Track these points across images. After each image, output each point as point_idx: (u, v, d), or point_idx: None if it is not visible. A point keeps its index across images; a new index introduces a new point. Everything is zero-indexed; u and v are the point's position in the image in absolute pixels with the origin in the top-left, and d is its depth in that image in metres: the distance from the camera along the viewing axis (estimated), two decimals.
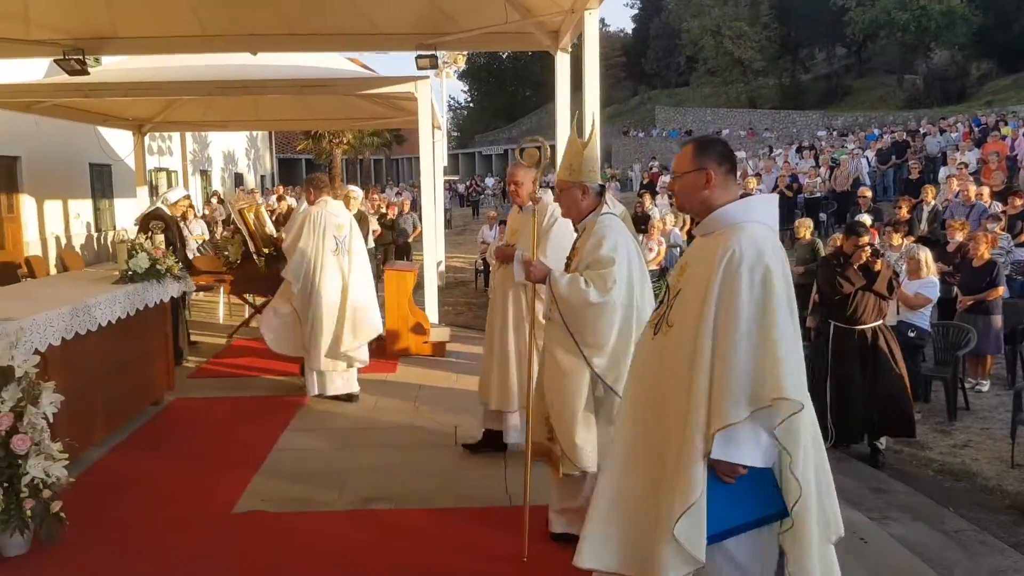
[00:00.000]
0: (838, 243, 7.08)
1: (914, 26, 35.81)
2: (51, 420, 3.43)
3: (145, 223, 6.69)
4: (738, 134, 36.72)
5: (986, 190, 9.97)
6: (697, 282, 2.23)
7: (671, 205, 15.30)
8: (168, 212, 6.98)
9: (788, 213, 14.81)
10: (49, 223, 14.72)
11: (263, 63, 10.06)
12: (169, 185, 20.26)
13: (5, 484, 3.24)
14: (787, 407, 2.06)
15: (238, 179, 26.93)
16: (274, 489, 4.14)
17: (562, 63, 8.77)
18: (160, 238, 5.37)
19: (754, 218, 2.24)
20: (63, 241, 15.20)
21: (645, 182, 20.09)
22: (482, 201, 29.06)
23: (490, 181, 34.32)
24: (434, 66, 9.34)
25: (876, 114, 34.77)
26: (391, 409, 5.61)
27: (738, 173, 19.82)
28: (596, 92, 7.52)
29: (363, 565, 3.35)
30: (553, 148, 3.60)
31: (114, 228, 17.36)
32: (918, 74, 39.24)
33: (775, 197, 2.51)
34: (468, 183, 32.09)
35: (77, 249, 15.07)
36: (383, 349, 7.25)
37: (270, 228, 7.60)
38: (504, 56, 58.00)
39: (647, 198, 13.72)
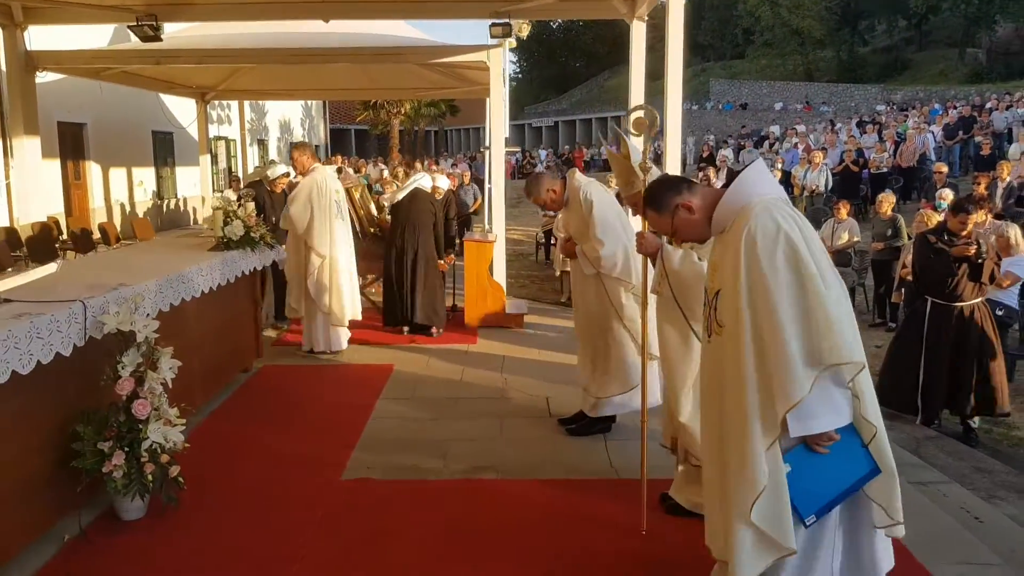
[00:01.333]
0: (928, 221, 6.83)
1: None
2: (170, 385, 3.45)
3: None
4: (794, 107, 35.70)
5: None
6: (729, 278, 2.26)
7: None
8: (267, 188, 7.02)
9: (854, 188, 14.38)
10: (114, 190, 15.00)
11: (324, 31, 9.99)
12: (228, 154, 20.50)
13: (126, 448, 3.26)
14: (851, 369, 2.12)
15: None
16: (378, 457, 4.14)
17: (638, 32, 8.53)
18: (251, 206, 5.36)
19: (753, 192, 2.28)
20: (127, 208, 15.49)
21: (705, 155, 19.69)
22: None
23: (543, 153, 33.98)
24: (507, 34, 9.15)
25: (937, 88, 33.46)
26: (479, 380, 5.59)
27: (800, 147, 19.15)
28: (679, 62, 7.30)
29: (475, 533, 3.34)
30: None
31: (175, 196, 17.63)
32: (981, 48, 37.61)
33: (761, 164, 2.49)
34: (521, 155, 31.80)
35: (141, 216, 15.36)
36: (460, 320, 7.24)
37: (373, 208, 7.61)
38: (554, 25, 56.99)
39: (711, 172, 13.41)
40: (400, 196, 6.66)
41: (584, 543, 3.23)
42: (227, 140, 20.22)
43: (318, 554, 3.16)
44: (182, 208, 17.96)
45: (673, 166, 7.44)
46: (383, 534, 3.33)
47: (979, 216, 7.86)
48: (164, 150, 17.05)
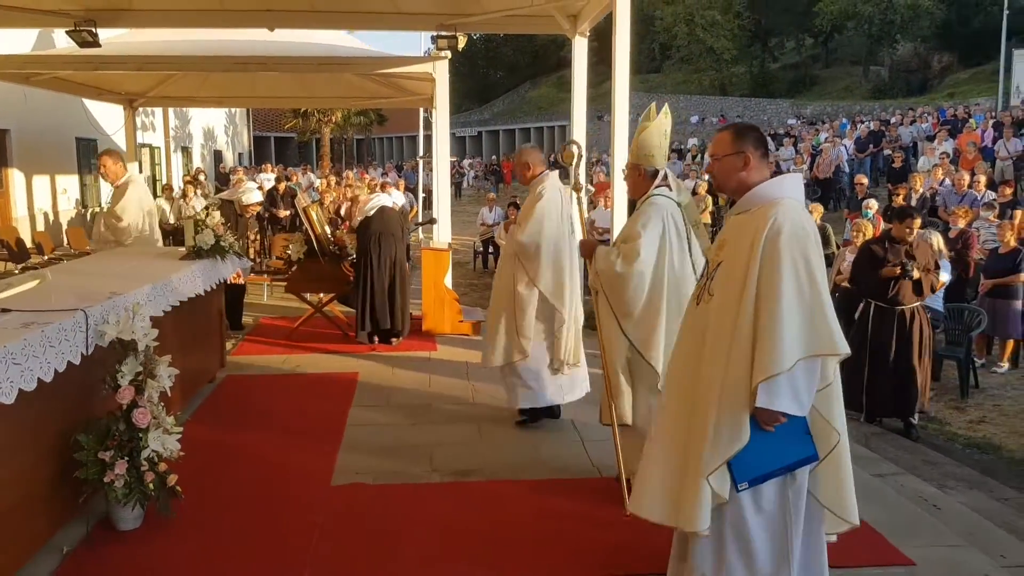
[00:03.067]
0: (864, 230, 7.38)
1: (880, 18, 36.72)
2: (169, 393, 3.46)
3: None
4: (710, 121, 37.20)
5: (982, 178, 10.39)
6: (738, 254, 2.43)
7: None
8: (237, 208, 6.96)
9: None
10: (37, 199, 14.32)
11: (262, 39, 9.90)
12: (152, 162, 19.82)
13: (126, 458, 3.26)
14: (833, 361, 2.41)
15: (217, 156, 26.40)
16: (364, 462, 4.21)
17: (580, 47, 8.86)
18: (217, 215, 5.35)
19: (787, 194, 2.46)
20: (51, 217, 14.80)
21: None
22: (463, 183, 29.01)
23: (466, 163, 34.20)
24: (453, 47, 9.33)
25: (843, 103, 35.58)
26: (447, 386, 5.71)
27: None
28: (626, 77, 7.63)
29: (472, 535, 3.45)
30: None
31: (100, 205, 16.95)
32: (883, 65, 40.22)
33: (800, 176, 2.84)
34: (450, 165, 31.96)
35: (64, 225, 14.69)
36: (417, 327, 7.33)
37: (326, 227, 7.60)
38: (475, 36, 57.46)
39: None
40: (371, 212, 6.73)
41: (578, 539, 3.38)
42: (151, 147, 19.55)
43: (324, 561, 3.21)
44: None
45: (620, 177, 7.77)
46: (384, 538, 3.39)
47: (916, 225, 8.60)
48: (88, 157, 16.37)
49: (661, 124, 3.65)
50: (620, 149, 7.72)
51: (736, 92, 43.50)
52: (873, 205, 9.04)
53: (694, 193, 13.76)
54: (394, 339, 6.89)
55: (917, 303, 5.67)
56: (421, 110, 16.32)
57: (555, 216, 4.52)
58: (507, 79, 58.75)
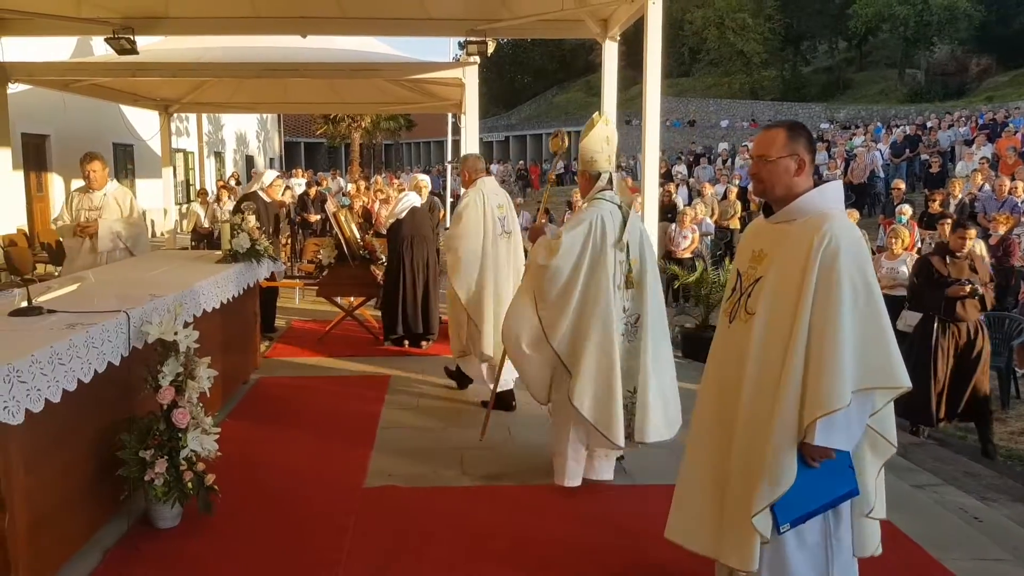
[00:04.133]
0: (902, 236, 7.25)
1: (915, 20, 36.11)
2: (207, 394, 3.51)
3: (238, 206, 6.77)
4: (740, 125, 36.89)
5: (1021, 184, 10.16)
6: (787, 272, 2.24)
7: (690, 194, 15.44)
8: (265, 196, 7.03)
9: None
10: None
11: (293, 45, 10.04)
12: (187, 167, 20.18)
13: (166, 457, 3.31)
14: (887, 395, 2.22)
15: (249, 161, 26.80)
16: (396, 465, 4.23)
17: (610, 51, 8.84)
18: (253, 219, 5.42)
19: (834, 205, 2.32)
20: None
21: (663, 171, 20.20)
22: None
23: (495, 168, 34.26)
24: (483, 52, 9.38)
25: (878, 107, 35.08)
26: (477, 389, 5.70)
27: (744, 163, 19.48)
28: (657, 80, 7.61)
29: (501, 539, 3.45)
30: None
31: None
32: (919, 68, 39.56)
33: (841, 184, 2.59)
34: None
35: None
36: (444, 331, 7.34)
37: (356, 231, 7.68)
38: (503, 41, 57.72)
39: (672, 188, 13.84)
40: (402, 215, 6.76)
41: (608, 549, 3.36)
42: (185, 152, 19.91)
43: (357, 561, 3.23)
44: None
45: (651, 181, 7.74)
46: (415, 541, 3.40)
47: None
48: (125, 162, 16.72)
49: (602, 131, 3.94)
50: (651, 153, 7.69)
51: (767, 96, 43.14)
52: (907, 211, 8.88)
53: (724, 198, 13.66)
54: (424, 342, 6.92)
55: (981, 316, 5.59)
56: (449, 115, 16.41)
57: (477, 216, 5.13)
58: (535, 84, 58.89)
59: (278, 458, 4.32)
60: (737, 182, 15.44)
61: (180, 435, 3.36)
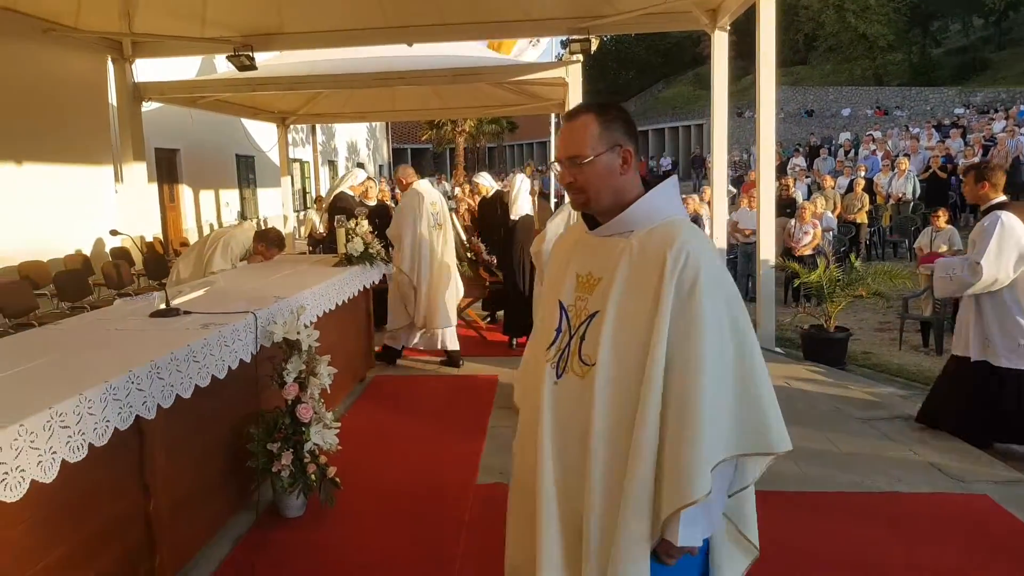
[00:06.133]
0: None
1: None
2: (328, 391, 3.65)
3: (332, 210, 7.03)
4: (863, 113, 34.87)
5: None
6: (632, 302, 1.65)
7: (810, 187, 14.74)
8: (351, 193, 7.29)
9: (942, 195, 13.97)
10: (204, 211, 15.70)
11: (399, 54, 10.33)
12: (303, 175, 21.22)
13: (291, 449, 3.47)
14: (767, 462, 1.69)
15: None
16: (507, 464, 4.22)
17: (720, 42, 8.59)
18: (366, 224, 5.61)
19: (678, 210, 1.75)
20: (215, 228, 16.16)
21: (778, 164, 19.40)
22: None
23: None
24: (586, 50, 9.32)
25: (1021, 89, 32.22)
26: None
27: (879, 153, 18.52)
28: (772, 70, 7.33)
29: None
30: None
31: (257, 215, 18.33)
32: None
33: (675, 179, 1.83)
34: None
35: None
36: None
37: (462, 234, 7.85)
38: (606, 38, 57.26)
39: (789, 181, 13.27)
40: (515, 219, 6.80)
41: None
42: (301, 162, 20.92)
43: (471, 556, 3.26)
44: (263, 227, 18.65)
45: (766, 175, 7.44)
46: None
47: None
48: (246, 172, 17.77)
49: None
50: (765, 146, 7.41)
51: (893, 81, 40.59)
52: None
53: (849, 190, 12.97)
54: None
55: None
56: (552, 115, 16.44)
57: (414, 215, 6.04)
58: (639, 79, 57.93)
59: (394, 453, 4.45)
60: (863, 174, 14.63)
61: (304, 429, 3.52)
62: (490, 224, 7.74)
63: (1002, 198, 4.38)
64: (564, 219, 5.00)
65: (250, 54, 9.42)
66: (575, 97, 9.82)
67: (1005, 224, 4.19)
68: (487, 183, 7.75)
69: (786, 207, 11.32)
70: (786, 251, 9.95)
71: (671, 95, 51.22)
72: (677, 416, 1.58)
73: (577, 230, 1.88)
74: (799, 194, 13.04)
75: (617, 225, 1.73)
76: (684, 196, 10.43)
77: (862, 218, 12.34)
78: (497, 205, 7.55)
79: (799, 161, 19.16)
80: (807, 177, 16.18)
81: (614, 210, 1.73)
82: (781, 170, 18.42)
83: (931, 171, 14.34)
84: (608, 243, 1.74)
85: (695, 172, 28.19)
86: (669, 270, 1.60)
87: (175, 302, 3.51)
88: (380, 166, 31.96)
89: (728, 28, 8.57)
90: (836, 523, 3.54)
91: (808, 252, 10.11)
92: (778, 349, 6.90)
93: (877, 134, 22.37)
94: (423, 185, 6.24)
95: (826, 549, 3.30)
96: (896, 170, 13.71)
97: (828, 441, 4.57)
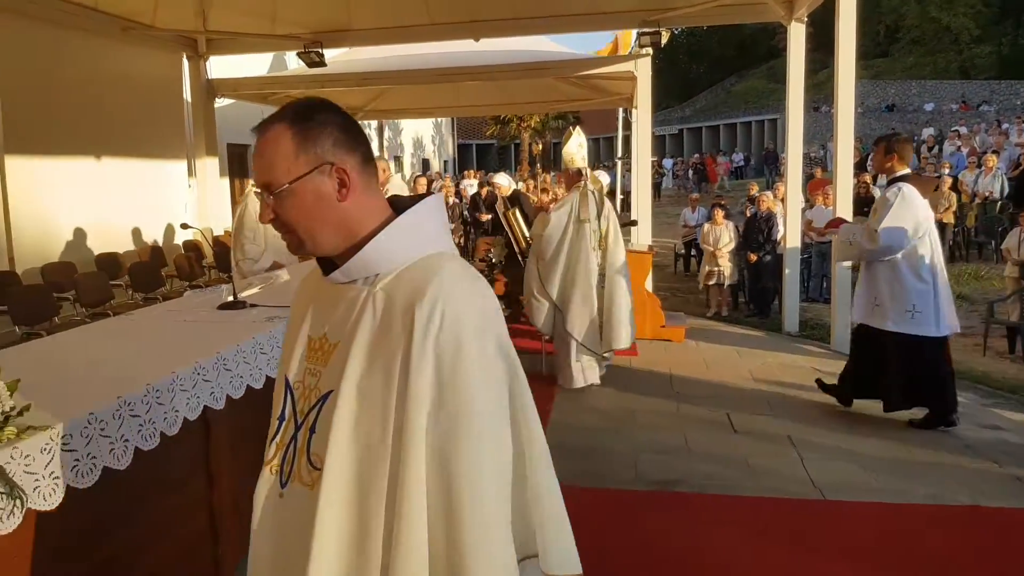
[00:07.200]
0: None
1: None
2: None
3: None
4: (948, 108, 33.27)
5: None
6: (369, 378, 1.17)
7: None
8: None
9: None
10: None
11: (466, 49, 10.30)
12: None
13: None
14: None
15: (425, 164, 28.17)
16: (566, 465, 4.12)
17: (796, 34, 8.29)
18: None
19: (436, 244, 1.25)
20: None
21: (856, 161, 18.67)
22: (663, 184, 28.46)
23: (668, 163, 33.48)
24: (656, 43, 9.13)
25: None
26: (650, 392, 5.55)
27: (965, 150, 17.78)
28: (851, 63, 7.05)
29: (674, 548, 3.29)
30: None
31: None
32: None
33: (438, 199, 1.31)
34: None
35: None
36: None
37: (526, 230, 7.85)
38: (677, 31, 56.23)
39: (868, 178, 12.74)
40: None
41: (788, 568, 3.11)
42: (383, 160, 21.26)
43: None
44: None
45: (844, 172, 7.14)
46: (585, 543, 3.34)
47: None
48: None
49: (576, 138, 5.74)
50: (844, 141, 7.12)
51: (980, 75, 38.57)
52: None
53: (936, 189, 12.39)
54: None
55: None
56: (620, 110, 16.22)
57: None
58: (711, 73, 56.66)
59: None
60: (947, 171, 13.92)
61: None
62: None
63: (906, 171, 4.64)
64: (567, 210, 5.51)
65: (319, 51, 9.59)
66: (644, 91, 9.65)
67: (906, 195, 4.45)
68: (505, 183, 7.85)
69: (864, 205, 10.84)
70: None
71: (744, 89, 49.90)
72: (443, 555, 1.10)
73: (316, 278, 1.36)
74: (878, 191, 12.49)
75: (354, 269, 1.22)
76: (759, 193, 10.18)
77: (948, 218, 11.74)
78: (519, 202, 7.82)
79: None
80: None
81: (347, 250, 1.24)
82: (860, 167, 17.72)
83: (1021, 168, 13.53)
84: (348, 293, 1.24)
85: (768, 168, 27.44)
86: (419, 334, 1.12)
87: (243, 295, 3.56)
88: (445, 161, 32.25)
89: (805, 19, 8.26)
90: (914, 537, 3.33)
91: None
92: None
93: (963, 129, 21.27)
94: (396, 181, 6.45)
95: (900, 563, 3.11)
96: (983, 167, 12.99)
97: (903, 449, 4.33)
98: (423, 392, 1.12)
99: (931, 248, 4.52)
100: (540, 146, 31.35)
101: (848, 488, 3.81)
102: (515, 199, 7.75)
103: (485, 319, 1.18)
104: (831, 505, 3.66)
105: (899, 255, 4.48)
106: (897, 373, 4.53)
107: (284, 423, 1.33)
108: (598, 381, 5.66)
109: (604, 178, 7.03)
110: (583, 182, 5.54)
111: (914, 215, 4.44)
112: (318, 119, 1.23)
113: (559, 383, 5.60)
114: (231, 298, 3.45)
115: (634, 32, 11.22)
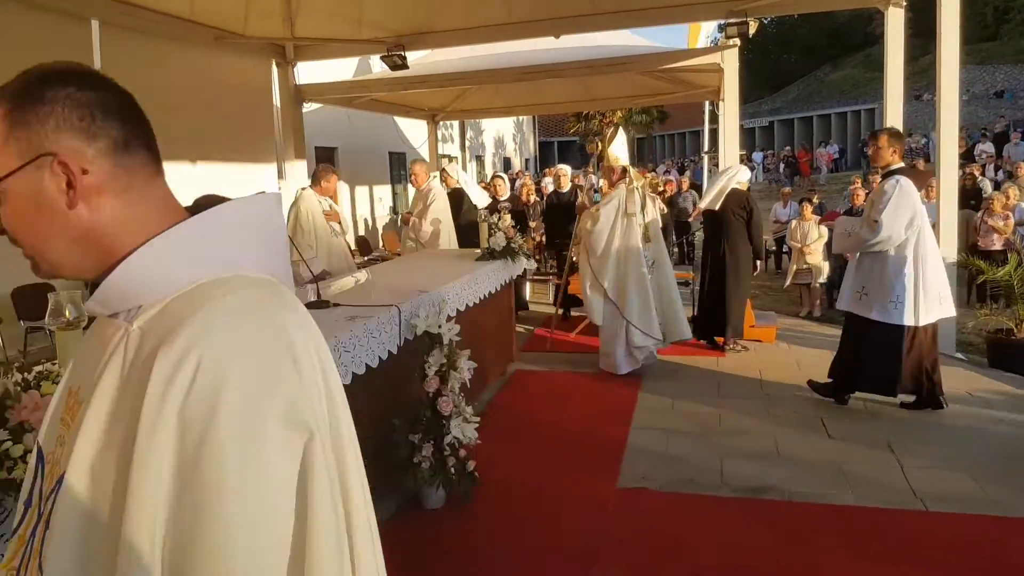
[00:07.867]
0: None
1: None
2: (468, 385, 3.64)
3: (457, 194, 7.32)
4: None
5: None
6: (105, 455, 0.81)
7: (1008, 174, 13.22)
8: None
9: None
10: (359, 207, 16.53)
11: (545, 47, 10.23)
12: None
13: (431, 441, 3.49)
14: None
15: (507, 163, 28.30)
16: (650, 468, 4.08)
17: (895, 19, 7.85)
18: (508, 218, 5.61)
19: (230, 266, 0.89)
20: (369, 223, 16.97)
21: (962, 151, 17.61)
22: (753, 178, 27.60)
23: (758, 156, 32.45)
24: (743, 33, 8.81)
25: None
26: (738, 395, 5.36)
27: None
28: (955, 48, 6.62)
29: (761, 557, 3.15)
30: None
31: (395, 212, 19.10)
32: None
33: (270, 197, 1.00)
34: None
35: (380, 230, 16.77)
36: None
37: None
38: (766, 20, 54.40)
39: (975, 169, 11.96)
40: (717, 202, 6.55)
41: None
42: (449, 157, 21.51)
43: (609, 561, 3.15)
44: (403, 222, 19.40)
45: (948, 163, 6.71)
46: (668, 548, 3.25)
47: None
48: (399, 169, 18.51)
49: (622, 137, 6.14)
50: (947, 131, 6.69)
51: None
52: None
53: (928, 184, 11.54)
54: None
55: None
56: (706, 103, 15.80)
57: (442, 205, 7.13)
58: (802, 63, 54.46)
59: (532, 450, 4.40)
60: None
61: (444, 422, 3.54)
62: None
63: (901, 164, 4.74)
64: (615, 206, 5.74)
65: (402, 53, 9.74)
66: (731, 83, 9.36)
67: (904, 188, 4.55)
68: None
69: (970, 198, 10.19)
70: (971, 247, 8.97)
71: (839, 78, 47.81)
72: None
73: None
74: (987, 183, 11.72)
75: (111, 298, 0.88)
76: (853, 188, 9.67)
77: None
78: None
79: (987, 147, 17.25)
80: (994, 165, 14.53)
81: (104, 273, 0.89)
82: (966, 157, 16.68)
83: None
84: (106, 331, 0.90)
85: (865, 161, 26.20)
86: (155, 394, 0.77)
87: (327, 295, 3.64)
88: (527, 160, 32.30)
89: (904, 4, 7.81)
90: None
91: (997, 247, 9.05)
92: (959, 355, 6.21)
93: None
94: (436, 181, 7.29)
95: None
96: None
97: (1017, 460, 4.02)
98: (154, 481, 0.74)
99: (922, 240, 4.61)
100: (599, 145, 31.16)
101: (954, 499, 3.57)
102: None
103: (267, 375, 0.79)
104: (934, 517, 3.43)
105: (890, 247, 4.59)
106: (879, 361, 4.67)
107: (29, 510, 0.94)
108: (639, 365, 5.93)
109: (745, 175, 6.82)
110: (628, 178, 5.87)
111: (912, 206, 4.55)
112: (46, 94, 0.87)
113: (601, 367, 5.92)
114: (315, 297, 3.53)
115: (703, 25, 10.91)
